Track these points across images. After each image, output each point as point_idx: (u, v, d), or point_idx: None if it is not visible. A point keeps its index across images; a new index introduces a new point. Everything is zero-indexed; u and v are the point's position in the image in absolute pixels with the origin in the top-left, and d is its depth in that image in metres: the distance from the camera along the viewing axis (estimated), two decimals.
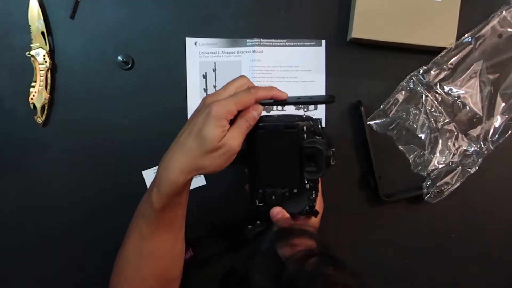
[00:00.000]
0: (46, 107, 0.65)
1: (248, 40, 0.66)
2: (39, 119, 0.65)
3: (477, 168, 0.65)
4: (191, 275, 0.68)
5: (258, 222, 0.59)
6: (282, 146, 0.54)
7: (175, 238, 0.56)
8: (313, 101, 0.58)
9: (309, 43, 0.67)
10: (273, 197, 0.57)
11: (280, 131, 0.54)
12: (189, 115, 0.67)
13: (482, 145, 0.65)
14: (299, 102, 0.55)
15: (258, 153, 0.55)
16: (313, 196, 0.56)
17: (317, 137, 0.54)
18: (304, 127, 0.53)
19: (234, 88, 0.52)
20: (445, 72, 0.65)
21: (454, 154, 0.65)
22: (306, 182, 0.55)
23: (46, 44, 0.64)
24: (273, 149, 0.55)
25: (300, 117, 0.54)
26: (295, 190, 0.56)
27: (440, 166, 0.64)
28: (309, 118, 0.54)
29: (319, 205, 0.59)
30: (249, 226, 0.59)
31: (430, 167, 0.64)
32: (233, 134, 0.50)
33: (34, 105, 0.64)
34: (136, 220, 0.55)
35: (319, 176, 0.55)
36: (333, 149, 0.54)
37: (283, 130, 0.54)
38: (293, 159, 0.54)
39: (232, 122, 0.50)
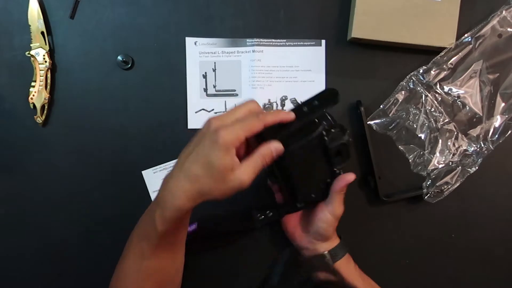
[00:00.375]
0: (46, 107, 0.65)
1: (248, 40, 0.66)
2: (39, 119, 0.65)
3: (477, 168, 0.65)
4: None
5: (268, 211, 0.60)
6: (310, 156, 0.55)
7: (175, 256, 0.56)
8: (321, 105, 0.56)
9: (309, 43, 0.67)
10: (312, 195, 0.58)
11: (306, 146, 0.54)
12: (189, 115, 0.67)
13: (482, 145, 0.65)
14: (306, 112, 0.54)
15: (287, 170, 0.56)
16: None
17: (334, 130, 0.54)
18: (324, 132, 0.54)
19: (242, 113, 0.50)
20: (445, 72, 0.65)
21: (454, 154, 0.65)
22: (336, 170, 0.57)
23: (46, 44, 0.64)
24: (301, 161, 0.55)
25: (314, 120, 0.54)
26: (328, 180, 0.58)
27: (440, 166, 0.64)
28: (322, 117, 0.54)
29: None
30: (259, 216, 0.59)
31: (430, 167, 0.64)
32: (247, 168, 0.48)
33: (34, 105, 0.65)
34: (137, 238, 0.54)
35: (347, 161, 0.56)
36: (348, 131, 0.55)
37: (309, 145, 0.54)
38: (322, 161, 0.56)
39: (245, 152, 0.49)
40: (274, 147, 0.50)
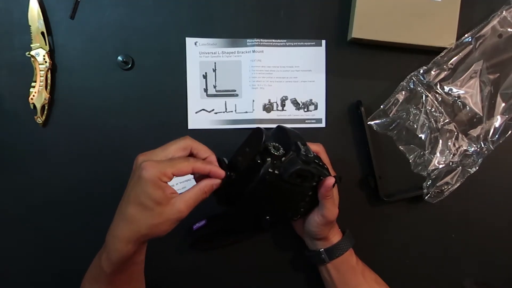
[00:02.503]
0: (46, 107, 0.65)
1: (248, 40, 0.66)
2: (39, 119, 0.65)
3: (477, 168, 0.65)
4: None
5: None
6: (275, 188, 0.53)
7: None
8: (251, 150, 0.53)
9: (309, 43, 0.67)
10: (302, 209, 0.58)
11: (260, 186, 0.52)
12: (189, 115, 0.67)
13: (482, 145, 0.65)
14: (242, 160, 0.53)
15: (262, 206, 0.56)
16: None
17: (283, 159, 0.52)
18: (270, 169, 0.51)
19: (173, 150, 0.49)
20: (445, 72, 0.65)
21: (454, 154, 0.65)
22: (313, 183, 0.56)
23: (46, 44, 0.64)
24: (268, 195, 0.54)
25: (257, 161, 0.51)
26: (310, 193, 0.56)
27: (440, 166, 0.64)
28: (265, 151, 0.51)
29: (336, 197, 0.60)
30: (268, 218, 0.59)
31: (430, 167, 0.64)
32: (185, 198, 0.48)
33: (34, 105, 0.64)
34: (89, 283, 0.55)
35: (316, 179, 0.55)
36: (302, 150, 0.52)
37: (264, 183, 0.52)
38: (290, 187, 0.54)
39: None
40: (215, 182, 0.50)
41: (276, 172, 0.51)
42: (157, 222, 0.47)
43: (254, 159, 0.51)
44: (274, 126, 0.66)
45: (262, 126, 0.66)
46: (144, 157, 0.48)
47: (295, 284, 0.70)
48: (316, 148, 0.60)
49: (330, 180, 0.55)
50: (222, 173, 0.51)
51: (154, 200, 0.46)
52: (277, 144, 0.52)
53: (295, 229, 0.65)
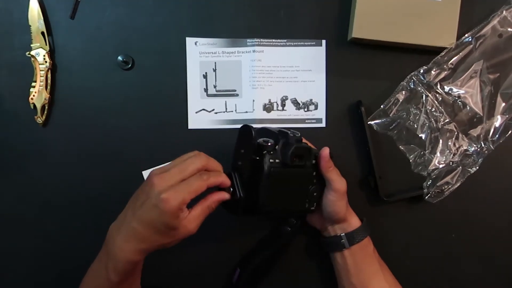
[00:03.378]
0: (46, 107, 0.65)
1: (248, 40, 0.66)
2: (39, 119, 0.65)
3: (477, 168, 0.65)
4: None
5: (292, 220, 0.62)
6: (282, 178, 0.55)
7: None
8: (246, 152, 0.55)
9: (309, 43, 0.67)
10: (314, 194, 0.59)
11: (274, 173, 0.54)
12: (189, 115, 0.67)
13: (483, 145, 0.65)
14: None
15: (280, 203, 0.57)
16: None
17: (277, 147, 0.54)
18: (270, 159, 0.53)
19: (188, 172, 0.49)
20: (446, 72, 0.65)
21: (454, 154, 0.65)
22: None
23: (46, 44, 0.64)
24: (282, 186, 0.55)
25: (255, 159, 0.53)
26: (314, 173, 0.58)
27: (441, 166, 0.64)
28: (260, 148, 0.53)
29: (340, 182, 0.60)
30: (288, 229, 0.61)
31: (431, 167, 0.64)
32: (194, 219, 0.50)
33: (34, 105, 0.64)
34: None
35: (314, 152, 0.57)
36: (293, 136, 0.54)
37: (271, 172, 0.54)
38: (295, 173, 0.56)
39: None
40: (222, 197, 0.52)
41: (277, 160, 0.53)
42: (167, 242, 0.50)
43: (253, 157, 0.53)
44: (274, 126, 0.67)
45: (262, 126, 0.66)
46: (161, 182, 0.48)
47: (301, 273, 0.70)
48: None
49: (326, 150, 0.57)
50: (228, 183, 0.53)
51: (168, 227, 0.48)
52: (265, 138, 0.54)
53: (311, 222, 0.65)
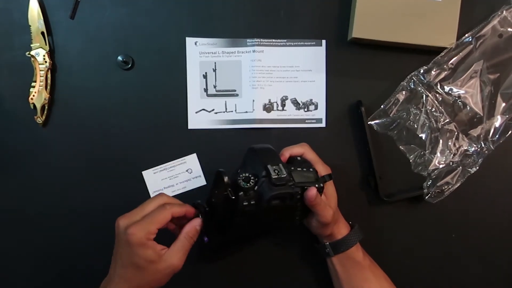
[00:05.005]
0: (46, 107, 0.65)
1: (248, 40, 0.66)
2: (39, 119, 0.65)
3: (477, 168, 0.65)
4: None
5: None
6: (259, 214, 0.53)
7: None
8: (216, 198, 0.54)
9: (309, 43, 0.67)
10: (297, 218, 0.57)
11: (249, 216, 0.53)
12: (189, 115, 0.67)
13: (483, 145, 0.65)
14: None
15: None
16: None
17: (251, 193, 0.52)
18: (244, 203, 0.51)
19: (150, 208, 0.51)
20: (446, 72, 0.65)
21: (454, 154, 0.65)
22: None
23: (46, 44, 0.64)
24: (258, 220, 0.54)
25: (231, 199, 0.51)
26: (298, 204, 0.55)
27: (441, 166, 0.64)
28: (234, 190, 0.51)
29: (332, 194, 0.60)
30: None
31: (431, 167, 0.64)
32: (175, 253, 0.51)
33: (34, 105, 0.64)
34: None
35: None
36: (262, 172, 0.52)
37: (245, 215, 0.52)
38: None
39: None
40: (197, 223, 0.53)
41: (252, 202, 0.51)
42: (154, 278, 0.50)
43: (227, 196, 0.51)
44: (274, 126, 0.67)
45: (262, 126, 0.66)
46: (124, 221, 0.50)
47: (302, 278, 0.70)
48: (299, 149, 0.59)
49: (312, 191, 0.54)
50: (193, 209, 0.54)
51: (146, 260, 0.49)
52: (247, 175, 0.51)
53: (306, 224, 0.64)
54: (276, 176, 0.51)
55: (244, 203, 0.51)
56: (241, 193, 0.51)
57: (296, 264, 0.69)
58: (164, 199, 0.53)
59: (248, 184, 0.51)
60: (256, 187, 0.51)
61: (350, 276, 0.61)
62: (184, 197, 0.67)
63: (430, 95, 0.65)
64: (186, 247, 0.52)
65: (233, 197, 0.51)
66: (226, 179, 0.51)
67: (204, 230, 0.54)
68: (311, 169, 0.56)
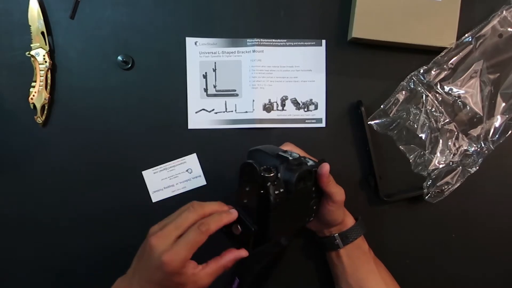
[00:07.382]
0: (46, 107, 0.65)
1: (248, 40, 0.66)
2: (39, 119, 0.65)
3: (477, 168, 0.65)
4: None
5: None
6: (286, 203, 0.52)
7: None
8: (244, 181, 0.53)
9: (309, 43, 0.67)
10: (314, 207, 0.57)
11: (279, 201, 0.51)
12: (189, 115, 0.67)
13: (483, 145, 0.65)
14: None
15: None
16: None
17: (279, 177, 0.51)
18: (272, 188, 0.50)
19: (184, 226, 0.49)
20: (446, 72, 0.65)
21: (454, 154, 0.65)
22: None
23: (46, 44, 0.64)
24: (286, 208, 0.53)
25: (259, 186, 0.50)
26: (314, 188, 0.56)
27: (441, 166, 0.64)
28: (262, 180, 0.50)
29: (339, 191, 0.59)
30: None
31: (431, 167, 0.64)
32: (207, 276, 0.49)
33: (34, 105, 0.64)
34: None
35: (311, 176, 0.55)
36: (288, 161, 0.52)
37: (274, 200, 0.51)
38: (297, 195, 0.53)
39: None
40: (241, 255, 0.51)
41: (281, 190, 0.51)
42: None
43: (259, 193, 0.50)
44: (274, 126, 0.67)
45: (262, 126, 0.66)
46: (159, 243, 0.48)
47: (298, 274, 0.70)
48: (287, 148, 0.59)
49: (326, 167, 0.55)
50: (234, 214, 0.51)
51: (178, 284, 0.48)
52: (265, 167, 0.51)
53: (307, 225, 0.64)
54: (292, 158, 0.52)
55: (276, 193, 0.50)
56: (269, 183, 0.50)
57: (296, 263, 0.69)
58: (198, 213, 0.50)
59: (272, 174, 0.50)
60: (279, 174, 0.51)
61: (357, 268, 0.61)
62: (184, 197, 0.67)
63: (430, 95, 0.65)
64: (217, 273, 0.50)
65: (262, 192, 0.50)
66: (259, 169, 0.50)
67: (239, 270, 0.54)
68: (305, 158, 0.56)
